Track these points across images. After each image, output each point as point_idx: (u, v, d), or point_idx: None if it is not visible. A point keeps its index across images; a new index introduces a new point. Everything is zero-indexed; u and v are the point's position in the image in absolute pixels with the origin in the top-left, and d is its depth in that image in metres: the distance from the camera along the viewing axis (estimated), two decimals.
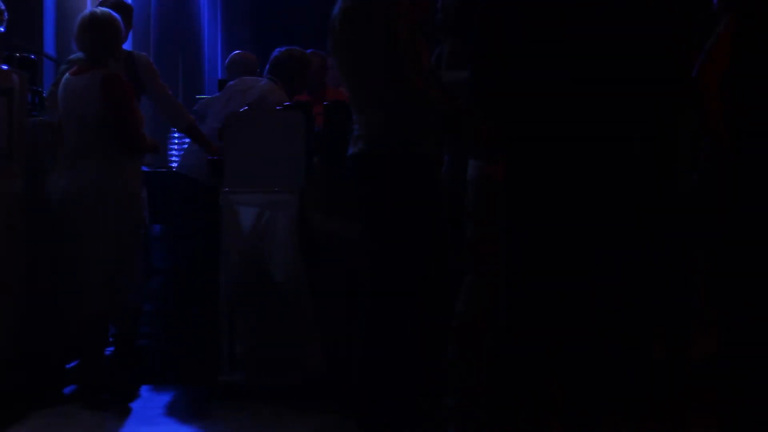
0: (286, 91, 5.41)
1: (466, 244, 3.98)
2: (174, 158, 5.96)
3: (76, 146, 4.68)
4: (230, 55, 6.39)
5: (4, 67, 4.75)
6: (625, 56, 3.37)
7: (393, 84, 3.67)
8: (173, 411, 4.61)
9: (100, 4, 5.18)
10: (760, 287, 3.58)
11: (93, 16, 4.67)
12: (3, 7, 4.89)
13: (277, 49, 5.57)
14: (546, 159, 3.29)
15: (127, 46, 5.32)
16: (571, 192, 3.29)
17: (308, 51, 6.00)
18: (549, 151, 3.28)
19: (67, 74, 4.77)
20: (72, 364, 4.98)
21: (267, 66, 5.65)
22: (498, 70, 3.31)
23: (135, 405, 4.61)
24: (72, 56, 5.32)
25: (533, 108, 3.30)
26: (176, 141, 5.96)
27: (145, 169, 5.19)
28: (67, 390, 4.79)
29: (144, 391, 4.84)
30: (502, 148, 3.41)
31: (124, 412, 4.48)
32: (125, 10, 5.17)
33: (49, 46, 6.34)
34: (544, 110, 3.29)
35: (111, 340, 4.96)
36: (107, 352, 4.90)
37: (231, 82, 5.62)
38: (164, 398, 4.75)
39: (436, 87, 3.75)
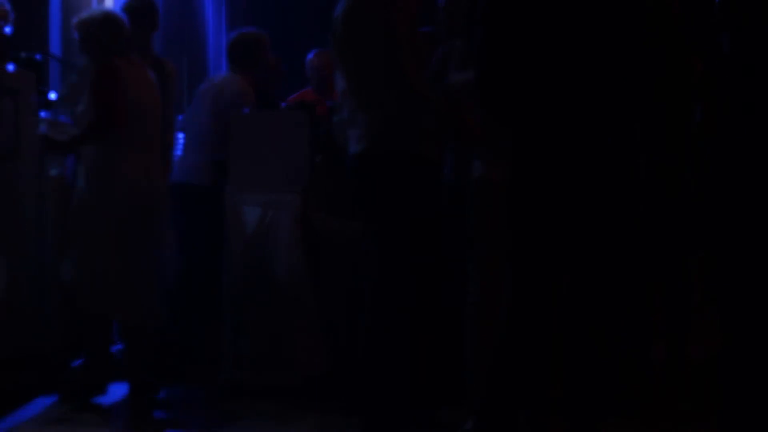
0: (245, 76, 5.27)
1: (468, 245, 4.00)
2: None
3: (151, 139, 4.68)
4: None
5: (10, 67, 4.76)
6: (632, 58, 3.38)
7: (394, 84, 3.68)
8: (176, 410, 4.63)
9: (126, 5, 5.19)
10: (760, 287, 3.59)
11: (112, 13, 4.72)
12: (8, 7, 4.92)
13: (230, 34, 5.48)
14: (551, 160, 3.29)
15: None
16: (575, 193, 3.29)
17: (315, 51, 6.00)
18: (554, 153, 3.29)
19: (121, 63, 4.59)
20: (72, 365, 4.97)
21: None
22: (503, 71, 3.32)
23: (136, 404, 4.60)
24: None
25: (538, 109, 3.31)
26: None
27: None
28: (68, 390, 4.75)
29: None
30: (507, 149, 3.41)
31: (126, 412, 4.48)
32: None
33: (55, 47, 6.36)
34: (550, 112, 3.29)
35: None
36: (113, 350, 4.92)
37: (201, 86, 5.49)
38: (167, 397, 4.75)
39: (433, 89, 3.77)
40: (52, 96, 5.14)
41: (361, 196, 3.82)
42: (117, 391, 4.74)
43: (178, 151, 5.38)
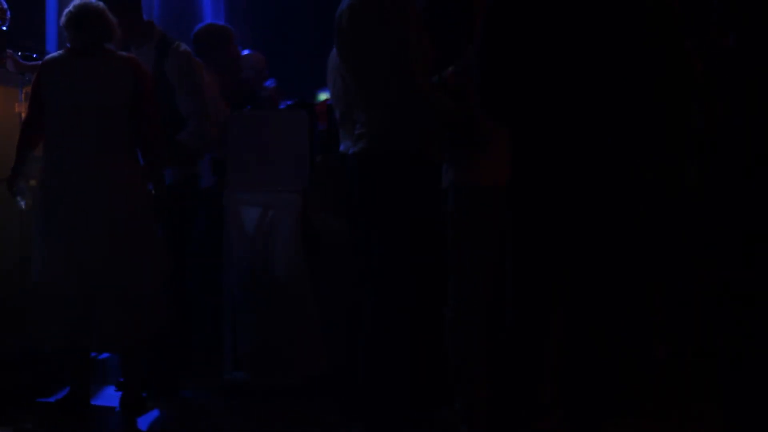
0: (210, 66, 5.10)
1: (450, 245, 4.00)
2: None
3: (90, 138, 4.28)
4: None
5: None
6: (632, 58, 3.38)
7: (397, 84, 3.68)
8: (176, 410, 4.62)
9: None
10: (760, 287, 3.60)
11: (73, 7, 4.39)
12: (5, 6, 4.91)
13: (196, 27, 5.43)
14: (551, 161, 3.30)
15: None
16: (576, 194, 3.30)
17: None
18: (554, 153, 3.30)
19: (58, 55, 4.41)
20: None
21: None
22: (504, 72, 3.32)
23: (136, 405, 4.59)
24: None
25: (539, 110, 3.31)
26: None
27: None
28: (67, 390, 4.72)
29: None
30: (483, 150, 3.42)
31: (125, 413, 4.47)
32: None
33: (51, 45, 6.34)
34: (550, 112, 3.30)
35: None
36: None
37: None
38: (166, 398, 4.74)
39: (437, 89, 3.76)
40: None
41: (361, 196, 3.82)
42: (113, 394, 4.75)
43: None
